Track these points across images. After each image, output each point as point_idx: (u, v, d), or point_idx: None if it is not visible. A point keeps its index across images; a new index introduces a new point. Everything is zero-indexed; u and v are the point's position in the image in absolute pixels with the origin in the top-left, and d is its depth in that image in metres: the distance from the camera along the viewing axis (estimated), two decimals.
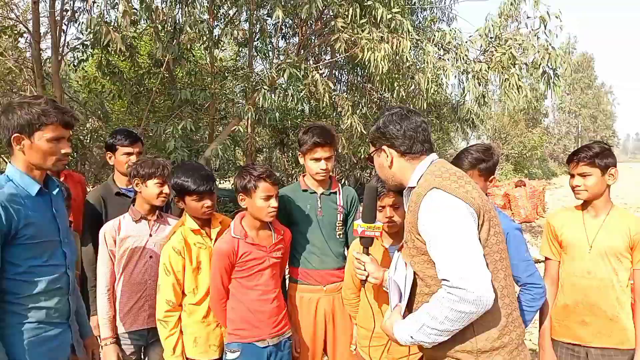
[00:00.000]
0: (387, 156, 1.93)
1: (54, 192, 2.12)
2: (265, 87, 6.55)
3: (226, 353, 2.59)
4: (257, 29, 8.60)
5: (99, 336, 2.74)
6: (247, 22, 8.44)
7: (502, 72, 6.95)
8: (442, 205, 1.70)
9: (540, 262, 3.51)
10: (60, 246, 2.09)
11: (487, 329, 1.71)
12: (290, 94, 6.94)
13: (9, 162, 2.03)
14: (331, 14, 7.65)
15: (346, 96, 8.19)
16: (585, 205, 2.57)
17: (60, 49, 6.59)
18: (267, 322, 2.58)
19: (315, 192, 2.88)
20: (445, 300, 1.62)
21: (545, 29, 6.63)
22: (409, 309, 1.89)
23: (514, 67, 6.96)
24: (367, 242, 2.23)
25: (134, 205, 2.79)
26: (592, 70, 52.30)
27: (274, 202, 2.53)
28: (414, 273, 1.88)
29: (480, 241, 1.69)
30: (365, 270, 2.21)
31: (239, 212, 2.71)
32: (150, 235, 2.76)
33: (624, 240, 2.42)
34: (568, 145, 44.03)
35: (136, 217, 2.75)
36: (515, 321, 1.79)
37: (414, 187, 1.87)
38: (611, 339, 2.43)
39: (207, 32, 6.88)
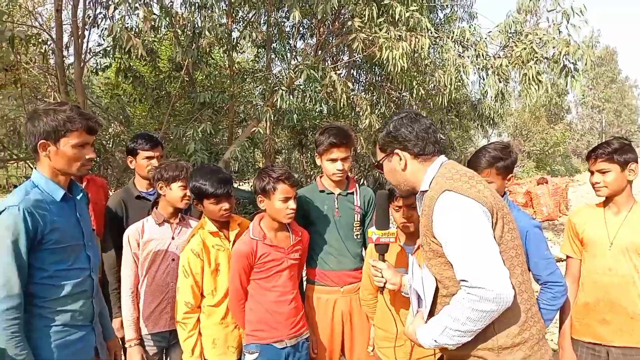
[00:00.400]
0: (401, 159, 1.94)
1: (78, 197, 2.17)
2: (283, 88, 6.58)
3: (244, 355, 2.61)
4: (275, 31, 8.65)
5: (122, 338, 2.79)
6: (265, 25, 8.50)
7: (522, 67, 6.86)
8: (455, 207, 1.71)
9: (562, 261, 3.47)
10: (84, 250, 2.14)
11: (508, 326, 1.72)
12: (308, 95, 6.96)
13: (35, 168, 2.08)
14: (348, 14, 7.65)
15: (364, 96, 8.17)
16: (606, 202, 2.54)
17: (83, 55, 6.71)
18: (285, 323, 2.60)
19: (332, 193, 2.89)
20: (465, 300, 1.63)
21: (568, 23, 6.53)
22: (432, 313, 1.89)
23: (534, 60, 6.85)
24: (382, 249, 2.24)
25: (156, 208, 2.83)
26: (615, 64, 51.26)
27: (292, 204, 2.55)
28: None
29: (495, 239, 1.70)
30: (382, 277, 2.21)
31: (258, 213, 2.74)
32: (173, 238, 2.80)
33: None
34: (592, 141, 43.20)
35: (159, 220, 2.79)
36: (534, 316, 1.80)
37: (426, 191, 1.88)
38: (633, 337, 2.38)
39: (225, 36, 6.94)
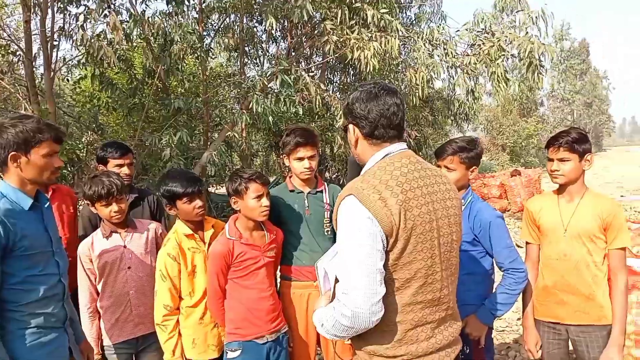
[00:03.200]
0: (353, 135, 1.82)
1: (45, 206, 2.22)
2: (257, 92, 6.64)
3: (226, 352, 2.67)
4: (248, 36, 8.67)
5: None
6: (238, 30, 8.52)
7: (489, 65, 7.05)
8: (349, 217, 1.64)
9: (521, 247, 3.62)
10: (53, 256, 2.19)
11: (380, 339, 1.70)
12: (282, 99, 7.04)
13: (1, 179, 2.12)
14: (320, 17, 7.72)
15: (339, 96, 8.26)
16: (561, 189, 2.64)
17: (53, 65, 6.66)
18: (265, 319, 2.67)
19: (302, 192, 2.98)
20: (334, 310, 1.65)
21: (534, 24, 6.76)
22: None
23: (501, 59, 7.06)
24: None
25: (102, 221, 2.82)
26: (587, 55, 52.40)
27: (265, 201, 2.64)
28: None
29: (389, 259, 1.64)
30: None
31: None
32: (125, 246, 2.79)
33: (597, 222, 2.49)
34: None
35: (106, 233, 2.78)
36: (419, 336, 1.71)
37: None
38: (589, 316, 2.52)
39: (197, 43, 6.95)
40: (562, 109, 48.22)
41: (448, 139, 3.04)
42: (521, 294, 2.63)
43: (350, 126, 1.82)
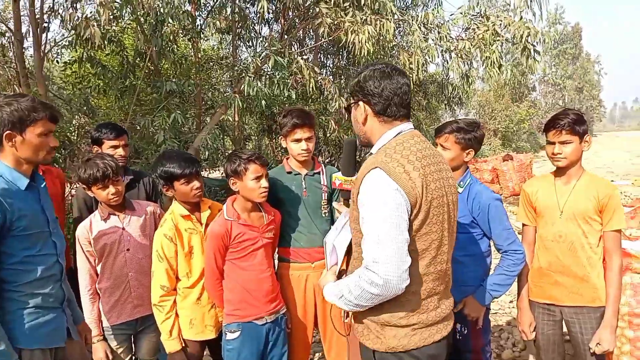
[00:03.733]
0: (362, 112, 1.87)
1: (41, 186, 2.21)
2: (250, 75, 6.58)
3: (225, 334, 2.68)
4: (239, 17, 8.56)
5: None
6: (230, 10, 8.41)
7: (484, 50, 7.02)
8: (377, 187, 1.69)
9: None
10: (50, 237, 2.18)
11: (394, 308, 1.77)
12: (275, 81, 6.98)
13: None
14: None
15: (332, 80, 8.22)
16: (558, 172, 2.65)
17: (43, 46, 6.54)
18: (264, 301, 2.68)
19: (299, 174, 2.97)
20: (360, 279, 1.68)
21: (529, 7, 6.74)
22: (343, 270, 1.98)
23: (496, 43, 7.03)
24: (345, 195, 2.30)
25: (100, 203, 2.80)
26: (579, 40, 52.45)
27: (264, 182, 2.63)
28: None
29: (411, 229, 1.71)
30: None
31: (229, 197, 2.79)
32: (123, 229, 2.78)
33: (592, 204, 2.51)
34: None
35: (104, 215, 2.76)
36: (430, 304, 1.81)
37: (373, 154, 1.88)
38: (583, 297, 2.55)
39: (189, 23, 6.85)
40: (554, 94, 48.36)
41: (439, 123, 3.04)
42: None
43: (361, 103, 1.87)
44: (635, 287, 2.97)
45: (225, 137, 10.12)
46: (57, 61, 7.65)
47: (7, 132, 2.00)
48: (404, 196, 1.67)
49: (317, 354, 4.10)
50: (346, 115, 7.53)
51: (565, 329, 2.70)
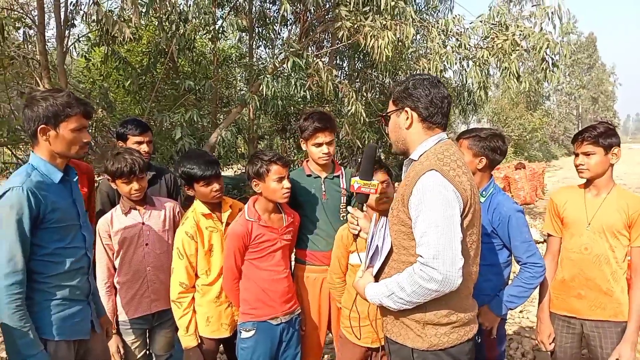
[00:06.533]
0: (408, 118, 1.94)
1: (74, 180, 2.26)
2: (267, 75, 6.62)
3: (240, 332, 2.71)
4: (259, 16, 8.61)
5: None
6: (249, 10, 8.47)
7: (503, 60, 6.98)
8: (436, 188, 1.76)
9: (539, 243, 3.61)
10: (80, 230, 2.23)
11: (440, 307, 1.84)
12: (292, 82, 7.01)
13: (32, 152, 2.15)
14: (333, 1, 7.67)
15: (347, 83, 8.24)
16: (587, 184, 2.65)
17: (66, 40, 6.63)
18: (280, 301, 2.71)
19: (319, 177, 2.99)
20: (416, 276, 1.73)
21: (549, 20, 6.71)
22: (379, 272, 2.01)
23: (515, 53, 6.99)
24: (362, 199, 2.33)
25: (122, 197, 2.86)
26: (594, 50, 52.01)
27: (286, 184, 2.65)
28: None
29: (462, 229, 1.78)
30: (358, 225, 2.34)
31: (245, 198, 2.82)
32: (143, 223, 2.83)
33: (622, 218, 2.50)
34: (569, 127, 43.96)
35: (125, 209, 2.81)
36: (467, 302, 1.93)
37: (414, 160, 1.94)
38: (605, 311, 2.54)
39: (210, 22, 6.91)
40: (568, 104, 48.00)
41: (451, 129, 3.07)
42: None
43: (408, 110, 1.94)
44: None
45: (239, 136, 10.18)
46: (85, 56, 7.73)
47: (42, 126, 2.04)
48: (458, 198, 1.77)
49: (326, 356, 4.13)
50: (361, 120, 7.54)
51: (583, 345, 2.69)
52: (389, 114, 2.04)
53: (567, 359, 2.70)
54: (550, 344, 2.72)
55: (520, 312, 5.37)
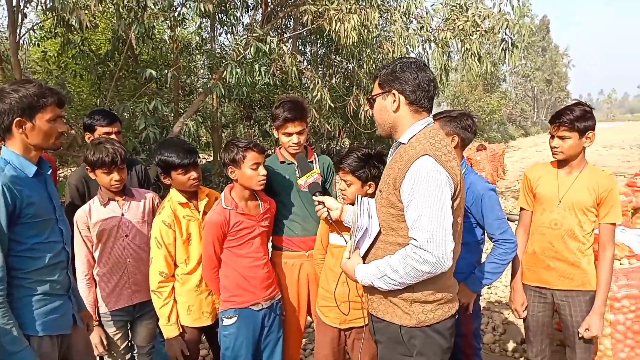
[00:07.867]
0: (395, 101, 1.94)
1: (48, 173, 2.19)
2: (232, 62, 6.53)
3: (222, 320, 2.71)
4: (220, 1, 8.44)
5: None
6: None
7: (464, 40, 7.11)
8: (429, 172, 1.79)
9: (509, 221, 3.72)
10: (57, 224, 2.17)
11: (427, 286, 1.89)
12: (257, 69, 6.94)
13: (4, 146, 2.07)
14: None
15: (312, 68, 8.22)
16: (561, 162, 2.74)
17: (18, 29, 6.36)
18: (260, 287, 2.72)
19: (293, 163, 2.98)
20: (409, 258, 1.78)
21: (508, 1, 6.87)
22: (367, 253, 2.06)
23: (476, 34, 7.12)
24: (314, 188, 2.51)
25: (100, 188, 2.80)
26: (547, 33, 53.46)
27: (262, 170, 2.65)
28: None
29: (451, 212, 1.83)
30: (324, 207, 2.44)
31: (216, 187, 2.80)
32: (122, 215, 2.79)
33: (592, 197, 2.61)
34: (525, 108, 45.19)
35: (104, 201, 2.76)
36: (450, 280, 2.00)
37: (403, 143, 1.95)
38: (573, 282, 2.68)
39: (170, 9, 6.75)
40: (524, 85, 49.29)
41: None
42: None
43: (395, 92, 1.94)
44: (615, 273, 3.12)
45: (202, 125, 10.02)
46: (39, 45, 7.42)
47: (17, 119, 1.97)
48: (450, 182, 1.81)
49: (304, 339, 4.17)
50: (327, 106, 7.55)
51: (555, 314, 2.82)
52: (374, 97, 2.03)
53: (538, 327, 2.83)
54: (523, 311, 2.84)
55: (489, 288, 5.54)
